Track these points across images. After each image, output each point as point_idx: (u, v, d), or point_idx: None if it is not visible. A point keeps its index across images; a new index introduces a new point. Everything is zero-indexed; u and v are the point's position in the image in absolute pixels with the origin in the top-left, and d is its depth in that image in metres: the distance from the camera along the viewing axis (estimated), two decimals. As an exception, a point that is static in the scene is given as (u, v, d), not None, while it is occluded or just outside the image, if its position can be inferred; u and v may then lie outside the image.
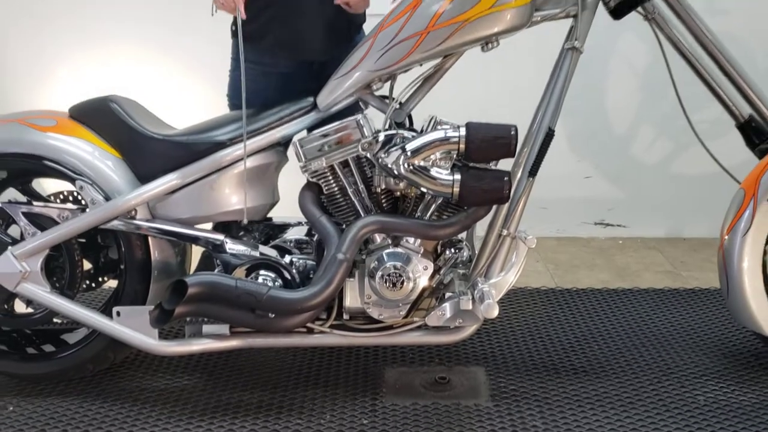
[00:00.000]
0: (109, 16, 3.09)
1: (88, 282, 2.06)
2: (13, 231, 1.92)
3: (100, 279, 2.09)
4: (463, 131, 1.77)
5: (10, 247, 1.86)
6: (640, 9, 1.91)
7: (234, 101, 2.23)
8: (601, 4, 1.89)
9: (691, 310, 2.48)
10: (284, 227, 2.08)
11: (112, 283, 2.09)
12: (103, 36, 3.13)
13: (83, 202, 1.95)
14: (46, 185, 2.13)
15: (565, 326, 2.39)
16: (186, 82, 3.09)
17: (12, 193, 2.04)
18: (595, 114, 3.28)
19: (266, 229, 2.06)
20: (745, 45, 3.17)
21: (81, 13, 3.12)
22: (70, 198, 2.03)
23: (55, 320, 2.02)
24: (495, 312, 1.78)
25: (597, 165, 3.34)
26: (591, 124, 3.29)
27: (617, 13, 1.88)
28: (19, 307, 2.01)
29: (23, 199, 2.01)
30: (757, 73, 3.15)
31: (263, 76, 2.12)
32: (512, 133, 1.76)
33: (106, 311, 1.93)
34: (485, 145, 1.77)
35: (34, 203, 1.93)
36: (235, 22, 2.12)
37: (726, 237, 2.00)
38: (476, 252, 1.96)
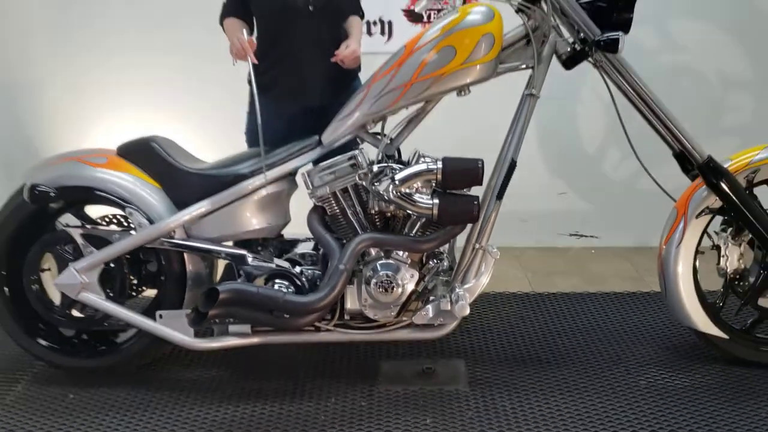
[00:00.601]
0: (144, 64, 3.44)
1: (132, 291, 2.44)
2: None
3: (140, 289, 2.46)
4: (440, 164, 2.13)
5: (71, 263, 2.25)
6: (591, 60, 2.26)
7: (250, 138, 2.63)
8: (554, 57, 2.28)
9: (644, 310, 2.84)
10: (295, 243, 2.43)
11: (150, 292, 2.45)
12: (139, 82, 3.47)
13: (128, 224, 2.34)
14: (95, 210, 2.51)
15: (535, 325, 2.75)
16: (210, 121, 3.42)
17: (68, 218, 2.41)
18: (568, 137, 3.61)
19: (279, 245, 2.41)
20: (700, 76, 3.56)
21: (118, 62, 3.47)
22: (114, 221, 2.40)
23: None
24: (466, 311, 2.16)
25: (570, 182, 3.67)
26: (564, 146, 3.63)
27: (567, 65, 2.25)
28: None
29: (77, 222, 2.38)
30: (714, 100, 3.57)
31: (274, 118, 2.48)
32: (479, 165, 2.13)
33: (148, 315, 2.30)
34: (458, 175, 2.14)
35: (91, 226, 2.31)
36: (250, 73, 2.52)
37: (663, 247, 2.37)
38: (457, 262, 2.34)
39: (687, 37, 3.49)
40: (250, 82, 2.51)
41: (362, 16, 2.63)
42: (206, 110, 3.48)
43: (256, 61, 2.30)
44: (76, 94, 3.53)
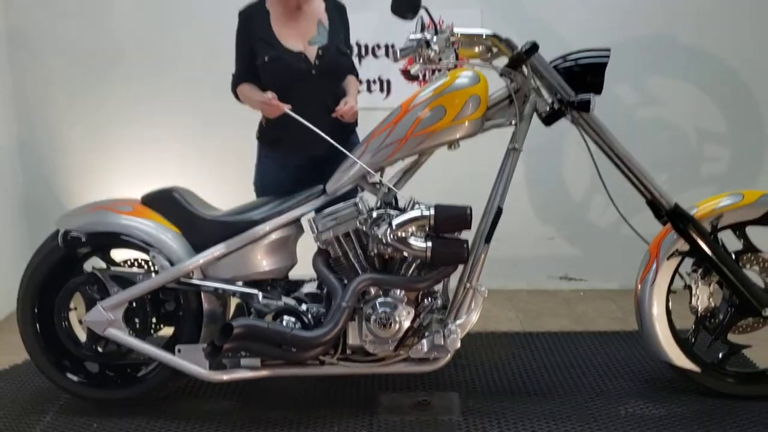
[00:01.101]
0: (166, 125, 3.78)
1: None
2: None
3: (159, 327, 2.64)
4: (432, 210, 2.36)
5: (99, 302, 2.46)
6: (568, 117, 2.51)
7: (260, 188, 2.86)
8: (535, 114, 2.53)
9: (626, 348, 3.03)
10: (300, 283, 2.61)
11: (166, 331, 2.63)
12: (160, 139, 3.80)
13: (149, 266, 2.57)
14: (118, 254, 2.73)
15: (525, 361, 2.94)
16: (222, 173, 3.69)
17: (94, 261, 2.65)
18: (556, 187, 3.85)
19: (287, 285, 2.60)
20: (677, 128, 3.82)
21: (143, 122, 3.80)
22: (135, 264, 2.63)
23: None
24: (458, 344, 2.37)
25: (559, 228, 3.90)
26: (553, 195, 3.87)
27: (547, 122, 2.49)
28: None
29: (103, 265, 2.62)
30: (692, 152, 3.82)
31: (280, 170, 2.73)
32: (468, 212, 2.36)
33: (167, 350, 2.50)
34: (449, 221, 2.36)
35: (117, 269, 2.55)
36: (259, 130, 2.77)
37: (639, 287, 2.58)
38: (450, 301, 2.54)
39: (665, 94, 3.75)
40: (259, 138, 2.76)
41: (357, 76, 2.87)
42: (219, 164, 3.77)
43: (290, 106, 2.51)
44: (103, 150, 3.85)
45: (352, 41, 3.63)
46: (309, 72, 2.64)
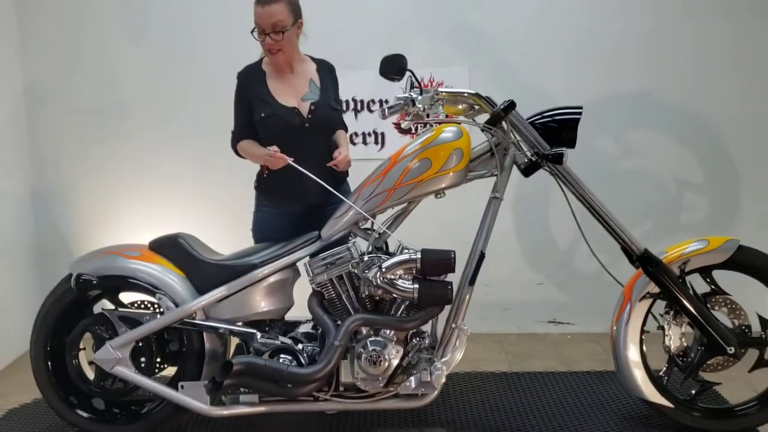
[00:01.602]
0: (170, 175, 4.00)
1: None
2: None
3: (163, 366, 2.78)
4: (419, 255, 2.53)
5: (108, 341, 2.63)
6: (546, 168, 2.71)
7: (257, 234, 3.00)
8: (515, 166, 2.73)
9: (607, 387, 3.18)
10: (296, 324, 2.78)
11: (169, 371, 2.80)
12: (163, 185, 4.02)
13: (155, 308, 2.74)
14: (126, 296, 2.91)
15: (511, 400, 3.08)
16: (222, 220, 3.88)
17: (103, 303, 2.83)
18: (543, 234, 4.01)
19: (283, 325, 2.76)
20: (658, 178, 4.02)
21: (143, 167, 4.03)
22: (142, 306, 2.81)
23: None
24: (443, 380, 2.52)
25: (547, 274, 4.05)
26: (541, 242, 4.03)
27: (525, 173, 2.68)
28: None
29: (112, 306, 2.79)
30: (670, 199, 4.00)
31: (277, 217, 2.90)
32: (451, 256, 2.53)
33: (170, 387, 2.66)
34: (434, 264, 2.54)
35: (124, 310, 2.72)
36: (257, 179, 2.96)
37: (614, 327, 2.75)
38: (438, 339, 2.70)
39: (647, 146, 3.94)
40: (257, 187, 2.96)
41: (346, 129, 3.05)
42: (221, 210, 3.97)
43: (293, 159, 2.69)
44: (112, 199, 4.07)
45: (349, 97, 3.91)
46: (302, 125, 2.82)
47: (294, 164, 2.68)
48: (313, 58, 2.96)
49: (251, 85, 2.86)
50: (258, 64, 2.90)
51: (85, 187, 4.06)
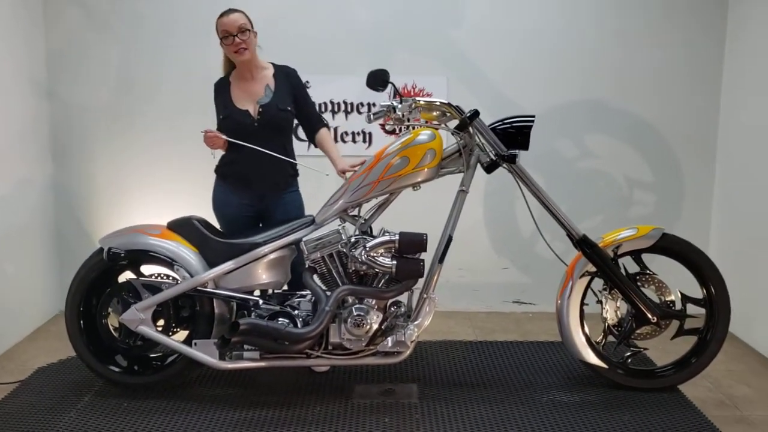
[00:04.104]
0: (176, 165, 4.42)
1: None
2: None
3: (176, 330, 3.24)
4: (397, 237, 3.02)
5: (133, 305, 3.11)
6: (504, 166, 3.20)
7: (216, 213, 3.42)
8: (479, 165, 3.22)
9: (556, 354, 3.69)
10: (293, 294, 3.23)
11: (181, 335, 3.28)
12: (172, 176, 4.46)
13: (172, 278, 3.22)
14: (147, 269, 3.38)
15: (474, 362, 3.58)
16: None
17: (127, 274, 3.30)
18: (510, 224, 4.50)
19: (282, 295, 3.22)
20: (611, 177, 4.53)
21: (155, 159, 4.48)
22: (160, 277, 3.28)
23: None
24: (414, 338, 3.00)
25: (513, 259, 4.55)
26: (507, 231, 4.51)
27: (487, 171, 3.15)
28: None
29: (134, 276, 3.27)
30: (622, 195, 4.51)
31: (231, 197, 3.34)
32: (424, 238, 3.01)
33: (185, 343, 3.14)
34: (410, 244, 3.02)
35: (146, 279, 3.19)
36: (218, 163, 3.40)
37: (558, 301, 3.25)
38: (413, 309, 3.19)
39: (601, 148, 4.44)
40: (216, 171, 3.41)
41: (327, 125, 3.50)
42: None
43: (225, 146, 3.22)
44: (125, 187, 4.51)
45: (340, 100, 4.36)
46: (252, 125, 3.25)
47: (230, 139, 3.16)
48: (274, 65, 3.41)
49: (218, 93, 3.38)
50: (227, 76, 3.39)
51: (101, 177, 4.50)
